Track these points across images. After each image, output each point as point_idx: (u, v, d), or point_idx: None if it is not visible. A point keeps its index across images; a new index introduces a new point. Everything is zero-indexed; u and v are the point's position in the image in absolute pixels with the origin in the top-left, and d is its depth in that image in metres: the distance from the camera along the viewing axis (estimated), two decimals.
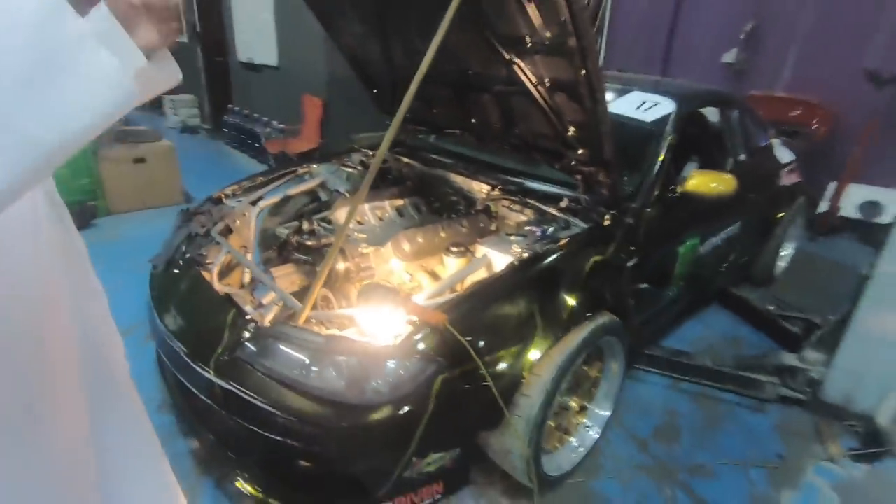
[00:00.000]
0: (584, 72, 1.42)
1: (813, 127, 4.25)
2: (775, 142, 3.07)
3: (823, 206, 4.35)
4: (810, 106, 4.57)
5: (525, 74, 1.65)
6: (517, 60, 1.63)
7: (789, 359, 2.15)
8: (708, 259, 2.38)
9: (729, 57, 5.46)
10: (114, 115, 0.48)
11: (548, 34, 1.44)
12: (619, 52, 6.41)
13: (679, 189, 1.98)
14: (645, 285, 1.95)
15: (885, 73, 3.88)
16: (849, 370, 2.03)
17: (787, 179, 2.97)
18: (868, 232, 4.11)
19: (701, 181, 1.95)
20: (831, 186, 4.38)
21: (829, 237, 4.25)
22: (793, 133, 4.10)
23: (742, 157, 2.62)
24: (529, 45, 1.53)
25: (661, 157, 1.98)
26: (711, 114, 2.65)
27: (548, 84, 1.63)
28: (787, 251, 3.31)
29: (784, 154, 3.04)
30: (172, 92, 7.56)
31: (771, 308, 2.68)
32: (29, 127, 0.43)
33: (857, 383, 2.03)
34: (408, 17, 1.86)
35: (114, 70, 0.47)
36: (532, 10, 1.40)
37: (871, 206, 4.11)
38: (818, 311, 2.54)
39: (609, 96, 2.25)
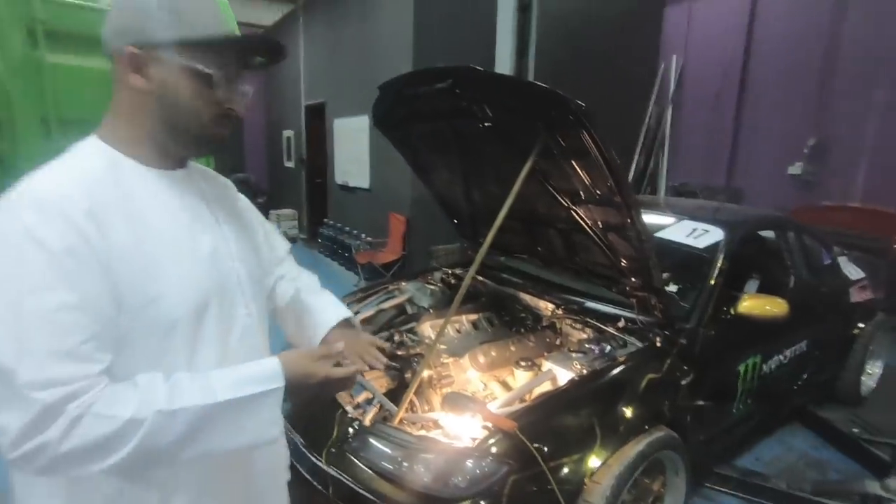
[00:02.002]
0: (629, 220, 1.75)
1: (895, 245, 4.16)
2: (842, 259, 3.12)
3: None
4: (889, 217, 4.53)
5: (581, 217, 2.01)
6: (574, 207, 2.00)
7: (873, 487, 2.08)
8: (776, 377, 2.42)
9: (795, 169, 5.61)
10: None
11: (598, 191, 1.81)
12: (682, 165, 6.75)
13: (733, 311, 2.15)
14: (707, 402, 2.06)
15: None
16: None
17: (859, 296, 2.98)
18: None
19: (753, 304, 2.11)
20: None
21: None
22: (873, 248, 4.01)
23: (804, 275, 2.72)
24: (583, 197, 1.90)
25: (712, 282, 2.18)
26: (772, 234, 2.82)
27: (600, 226, 1.97)
28: (874, 369, 3.19)
29: (852, 271, 3.08)
30: (278, 207, 8.82)
31: (856, 431, 2.59)
32: (212, 446, 0.72)
33: None
34: (484, 170, 2.33)
35: (277, 436, 0.79)
36: (583, 173, 1.79)
37: None
38: None
39: (665, 220, 2.56)
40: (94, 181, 0.72)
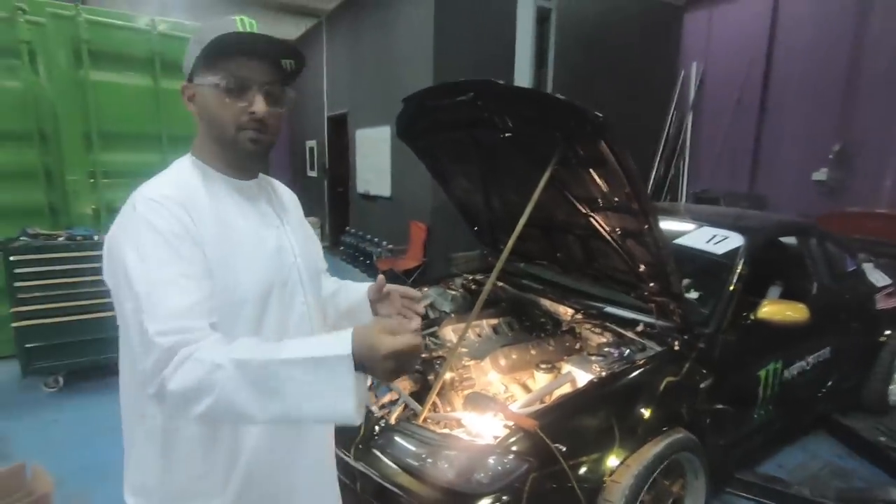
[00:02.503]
0: (646, 226, 1.80)
1: None
2: (867, 266, 3.09)
3: None
4: None
5: (599, 224, 2.06)
6: (592, 214, 2.05)
7: None
8: (798, 384, 2.41)
9: (819, 175, 5.52)
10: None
11: (615, 198, 1.86)
12: (704, 171, 6.69)
13: (753, 316, 2.16)
14: (727, 407, 2.08)
15: None
16: None
17: (885, 303, 2.94)
18: None
19: (773, 309, 2.13)
20: None
21: None
22: None
23: (827, 282, 2.71)
24: (601, 204, 1.96)
25: (731, 288, 2.20)
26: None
27: (618, 232, 2.01)
28: None
29: (879, 277, 3.04)
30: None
31: (882, 439, 2.56)
32: (288, 419, 0.76)
33: None
34: (504, 179, 2.40)
35: (353, 410, 0.75)
36: (601, 181, 1.84)
37: None
38: None
39: (684, 227, 2.58)
40: (188, 186, 0.89)
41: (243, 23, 0.91)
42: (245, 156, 0.94)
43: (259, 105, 0.89)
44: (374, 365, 0.76)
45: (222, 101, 0.88)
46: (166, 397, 0.75)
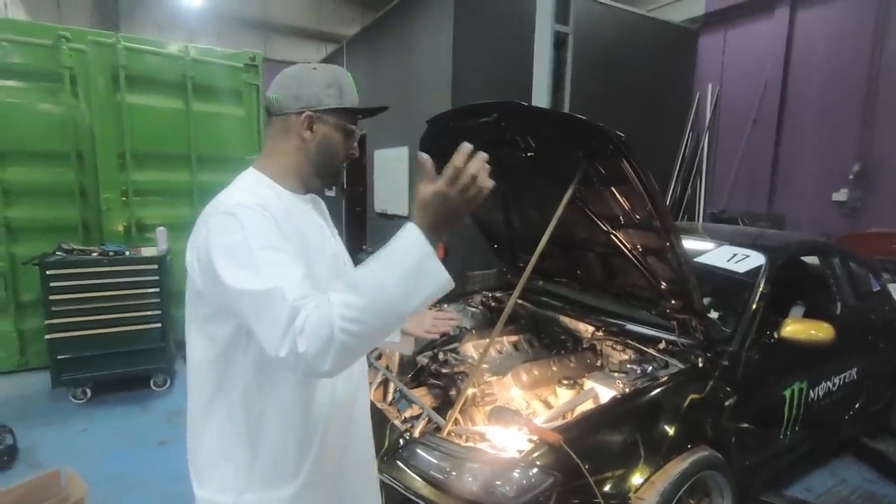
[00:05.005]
0: (668, 244, 1.82)
1: None
2: (893, 286, 3.05)
3: None
4: None
5: (620, 241, 2.09)
6: (613, 231, 2.08)
7: None
8: (824, 405, 2.38)
9: (840, 196, 5.48)
10: (435, 298, 0.91)
11: (637, 216, 1.89)
12: (721, 192, 6.67)
13: (776, 335, 2.15)
14: (752, 426, 2.06)
15: None
16: None
17: None
18: None
19: (797, 328, 2.12)
20: None
21: None
22: None
23: (851, 302, 2.68)
24: (622, 221, 1.99)
25: (754, 306, 2.20)
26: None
27: (640, 249, 2.04)
28: None
29: None
30: None
31: None
32: (401, 312, 0.86)
33: None
34: (526, 197, 2.45)
35: (445, 278, 0.87)
36: (623, 199, 1.88)
37: None
38: None
39: (705, 246, 2.59)
40: (264, 197, 1.00)
41: (349, 79, 1.11)
42: (332, 180, 1.13)
43: (357, 149, 1.13)
44: (441, 224, 0.87)
45: (341, 140, 1.08)
46: (300, 356, 0.81)
